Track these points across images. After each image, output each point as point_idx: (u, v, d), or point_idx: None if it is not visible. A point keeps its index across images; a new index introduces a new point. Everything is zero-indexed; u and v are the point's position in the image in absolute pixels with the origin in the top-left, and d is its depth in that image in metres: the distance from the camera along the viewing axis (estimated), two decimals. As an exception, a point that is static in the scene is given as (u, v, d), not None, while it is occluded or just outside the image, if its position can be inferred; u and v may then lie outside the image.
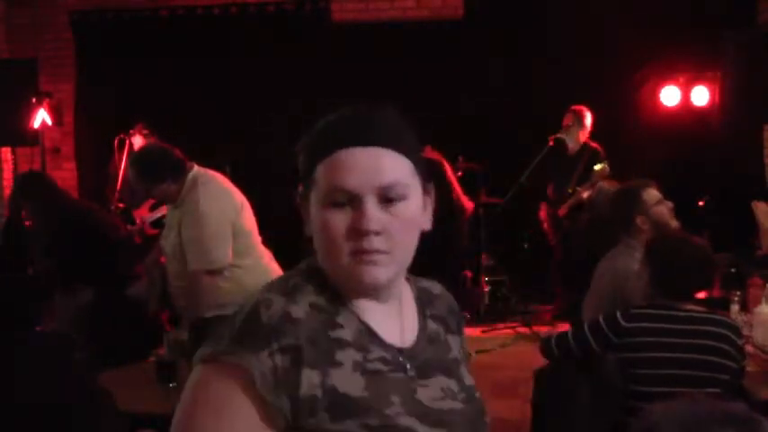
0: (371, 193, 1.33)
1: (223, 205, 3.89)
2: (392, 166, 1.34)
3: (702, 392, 2.84)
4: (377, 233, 1.32)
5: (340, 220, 1.33)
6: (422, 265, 1.49)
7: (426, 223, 1.43)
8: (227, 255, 3.84)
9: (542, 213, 6.92)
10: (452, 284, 5.15)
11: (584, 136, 6.66)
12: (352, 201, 1.33)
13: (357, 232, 1.32)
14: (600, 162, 6.31)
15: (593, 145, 6.60)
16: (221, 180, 4.07)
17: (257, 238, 4.10)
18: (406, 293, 1.49)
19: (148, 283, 4.14)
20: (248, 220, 4.03)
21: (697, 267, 3.00)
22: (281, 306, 1.32)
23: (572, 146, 6.67)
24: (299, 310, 1.32)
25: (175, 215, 3.97)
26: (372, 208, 1.32)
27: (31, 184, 4.81)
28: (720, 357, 2.90)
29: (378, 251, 1.33)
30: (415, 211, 1.38)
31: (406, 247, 1.38)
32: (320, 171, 1.35)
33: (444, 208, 4.94)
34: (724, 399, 2.86)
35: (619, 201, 3.81)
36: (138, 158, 4.03)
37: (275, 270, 4.01)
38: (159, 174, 3.89)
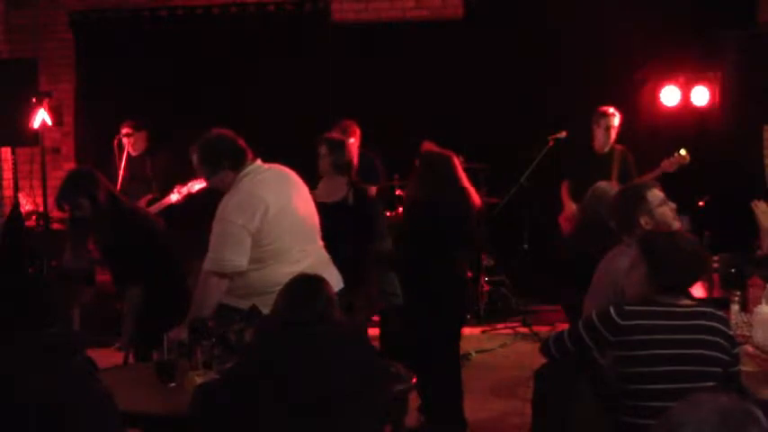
0: None
1: (249, 214, 3.79)
2: None
3: (698, 387, 2.85)
4: None
5: None
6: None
7: None
8: (241, 263, 3.79)
9: (563, 218, 6.70)
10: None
11: (614, 136, 6.54)
12: None
13: None
14: (626, 160, 6.34)
15: (619, 147, 6.51)
16: (267, 183, 3.93)
17: (288, 243, 3.92)
18: None
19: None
20: (278, 227, 3.87)
21: (693, 261, 3.02)
22: None
23: (603, 144, 6.51)
24: None
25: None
26: None
27: (90, 182, 4.56)
28: (713, 350, 2.92)
29: None
30: None
31: None
32: None
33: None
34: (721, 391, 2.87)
35: (622, 201, 3.80)
36: (201, 143, 3.98)
37: (283, 275, 3.85)
38: (218, 161, 3.90)
